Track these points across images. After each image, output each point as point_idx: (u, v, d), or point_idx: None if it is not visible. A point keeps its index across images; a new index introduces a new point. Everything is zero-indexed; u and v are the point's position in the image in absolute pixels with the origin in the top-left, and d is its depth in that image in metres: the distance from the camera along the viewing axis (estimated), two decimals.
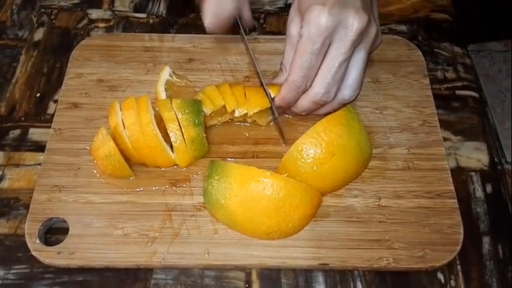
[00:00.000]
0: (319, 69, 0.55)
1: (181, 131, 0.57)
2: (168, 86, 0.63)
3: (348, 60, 0.55)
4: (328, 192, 0.58)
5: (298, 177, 0.54)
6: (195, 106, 0.59)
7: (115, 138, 0.57)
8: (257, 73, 0.63)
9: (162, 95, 0.62)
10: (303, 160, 0.54)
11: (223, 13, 0.58)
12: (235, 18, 0.60)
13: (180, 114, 0.57)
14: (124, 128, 0.57)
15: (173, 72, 0.64)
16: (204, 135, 0.59)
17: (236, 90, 0.61)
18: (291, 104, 0.59)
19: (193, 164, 0.60)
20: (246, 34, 0.64)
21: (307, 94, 0.57)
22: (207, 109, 0.60)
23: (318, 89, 0.56)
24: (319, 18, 0.52)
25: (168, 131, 0.57)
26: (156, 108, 0.59)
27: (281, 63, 0.60)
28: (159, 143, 0.56)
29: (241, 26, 0.62)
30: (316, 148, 0.54)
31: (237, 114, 0.60)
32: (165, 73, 0.63)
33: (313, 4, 0.52)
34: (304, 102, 0.58)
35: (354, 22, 0.53)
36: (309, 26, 0.53)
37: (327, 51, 0.54)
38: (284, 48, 0.59)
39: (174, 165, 0.59)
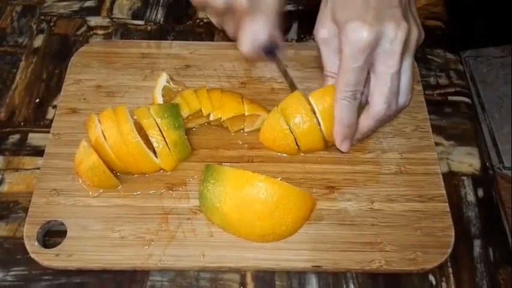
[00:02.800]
0: (372, 86, 0.54)
1: (163, 136, 0.58)
2: (165, 92, 0.64)
3: (399, 71, 0.53)
4: (309, 152, 0.61)
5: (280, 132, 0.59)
6: (174, 110, 0.60)
7: (97, 151, 0.57)
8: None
9: (160, 100, 0.63)
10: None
11: (258, 42, 0.60)
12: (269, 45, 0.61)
13: (159, 119, 0.58)
14: (105, 139, 0.57)
15: (170, 78, 0.65)
16: (186, 137, 0.60)
17: (213, 94, 0.63)
18: (352, 125, 0.57)
19: (189, 168, 0.61)
20: (280, 58, 0.65)
21: (368, 114, 0.56)
22: (184, 112, 0.61)
23: (379, 106, 0.54)
24: (360, 35, 0.51)
25: (150, 137, 0.58)
26: (135, 117, 0.59)
27: (325, 70, 0.60)
28: (142, 150, 0.57)
29: (276, 53, 0.63)
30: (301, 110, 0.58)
31: (211, 118, 0.62)
32: (163, 79, 0.64)
33: (352, 19, 0.51)
34: (368, 122, 0.56)
35: (397, 33, 0.51)
36: (350, 43, 0.51)
37: (374, 67, 0.53)
38: (321, 55, 0.59)
39: (159, 170, 0.60)
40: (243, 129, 0.64)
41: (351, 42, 0.51)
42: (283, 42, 0.63)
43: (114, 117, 0.58)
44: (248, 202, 0.53)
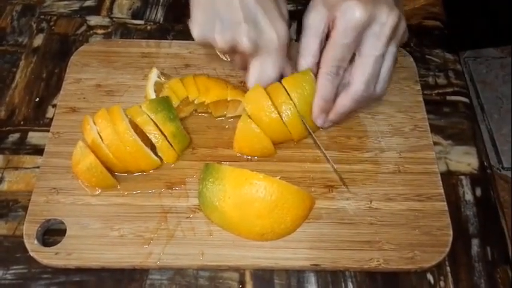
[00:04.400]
0: (355, 66, 0.56)
1: (160, 130, 0.59)
2: (157, 87, 0.64)
3: (383, 55, 0.56)
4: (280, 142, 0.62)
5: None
6: (165, 103, 0.60)
7: (94, 151, 0.57)
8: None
9: (152, 96, 0.63)
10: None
11: (266, 80, 0.61)
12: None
13: (153, 115, 0.59)
14: (102, 139, 0.57)
15: (161, 74, 0.66)
16: (182, 126, 0.61)
17: (199, 80, 0.64)
18: (330, 101, 0.59)
19: (188, 167, 0.61)
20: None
21: (347, 93, 0.58)
22: (174, 102, 0.62)
23: (358, 85, 0.57)
24: (355, 12, 0.53)
25: (147, 134, 0.58)
26: (128, 116, 0.59)
27: (299, 51, 0.60)
28: (140, 148, 0.58)
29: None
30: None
31: (195, 102, 0.63)
32: (154, 75, 0.65)
33: (345, 1, 0.54)
34: (345, 101, 0.58)
35: (388, 18, 0.54)
36: (344, 19, 0.54)
37: (361, 47, 0.56)
38: (301, 38, 0.60)
39: (158, 167, 0.61)
40: (225, 115, 0.65)
41: (345, 18, 0.53)
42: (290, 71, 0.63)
43: (109, 117, 0.58)
44: (247, 201, 0.53)
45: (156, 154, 0.60)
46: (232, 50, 0.60)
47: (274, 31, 0.58)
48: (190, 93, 0.63)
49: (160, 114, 0.59)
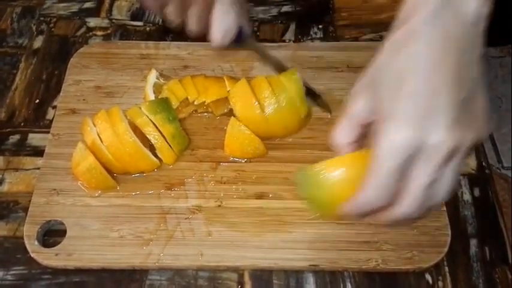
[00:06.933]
0: (403, 189, 0.45)
1: (159, 131, 0.59)
2: (156, 88, 0.65)
3: (437, 179, 0.44)
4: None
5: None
6: (165, 104, 0.61)
7: (94, 153, 0.58)
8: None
9: (151, 97, 0.64)
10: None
11: (230, 33, 0.58)
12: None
13: (153, 116, 0.59)
14: (101, 141, 0.58)
15: (160, 75, 0.66)
16: (181, 127, 0.62)
17: (197, 80, 0.64)
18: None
19: (187, 168, 0.61)
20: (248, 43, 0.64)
21: (390, 212, 0.47)
22: (173, 103, 0.62)
23: (405, 210, 0.45)
24: (402, 135, 0.42)
25: (147, 135, 0.59)
26: (128, 118, 0.60)
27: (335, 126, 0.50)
28: (140, 149, 0.58)
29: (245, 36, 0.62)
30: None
31: (196, 103, 0.63)
32: (152, 76, 0.65)
33: (396, 115, 0.42)
34: (386, 219, 0.48)
35: (441, 143, 0.42)
36: (389, 140, 0.43)
37: (411, 169, 0.44)
38: (341, 120, 0.50)
39: (157, 168, 0.61)
40: (227, 113, 0.65)
41: (391, 140, 0.43)
42: (250, 29, 0.63)
43: (109, 118, 0.59)
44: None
45: (155, 155, 0.60)
46: (188, 1, 0.57)
47: None
48: (190, 94, 0.63)
49: (159, 116, 0.59)
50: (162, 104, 0.61)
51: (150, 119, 0.59)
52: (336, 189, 0.49)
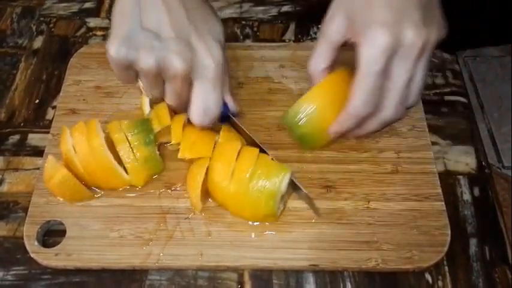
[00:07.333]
0: (385, 90, 0.52)
1: (133, 152, 0.57)
2: None
3: (412, 76, 0.52)
4: None
5: None
6: (144, 125, 0.58)
7: (67, 164, 0.57)
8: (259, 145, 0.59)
9: (146, 100, 0.63)
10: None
11: (212, 113, 0.56)
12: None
13: (130, 135, 0.57)
14: (75, 152, 0.56)
15: None
16: (158, 152, 0.59)
17: (188, 130, 0.59)
18: (356, 124, 0.55)
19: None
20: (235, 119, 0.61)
21: (376, 117, 0.54)
22: (155, 127, 0.59)
23: (389, 111, 0.53)
24: (381, 39, 0.49)
25: (119, 153, 0.57)
26: (107, 131, 0.58)
27: (310, 64, 0.57)
28: (111, 166, 0.56)
29: (230, 115, 0.60)
30: None
31: (175, 148, 0.60)
32: None
33: (372, 22, 0.50)
34: (373, 126, 0.55)
35: (416, 41, 0.50)
36: (371, 47, 0.50)
37: (389, 72, 0.51)
38: (317, 41, 0.56)
39: (128, 186, 0.59)
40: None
41: (372, 46, 0.50)
42: (235, 105, 0.60)
43: (86, 131, 0.57)
44: None
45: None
46: (158, 74, 0.53)
47: (210, 56, 0.53)
48: (174, 137, 0.59)
49: (136, 136, 0.57)
50: (142, 125, 0.58)
51: (126, 137, 0.57)
52: (321, 117, 0.57)
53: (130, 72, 0.54)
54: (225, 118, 0.60)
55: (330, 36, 0.55)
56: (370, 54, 0.50)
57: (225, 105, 0.58)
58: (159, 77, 0.53)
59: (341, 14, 0.54)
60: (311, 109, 0.57)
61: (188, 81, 0.54)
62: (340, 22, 0.54)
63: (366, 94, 0.52)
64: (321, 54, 0.56)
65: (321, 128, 0.57)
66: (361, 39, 0.51)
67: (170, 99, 0.56)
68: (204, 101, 0.54)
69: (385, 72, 0.51)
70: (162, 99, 0.58)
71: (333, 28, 0.55)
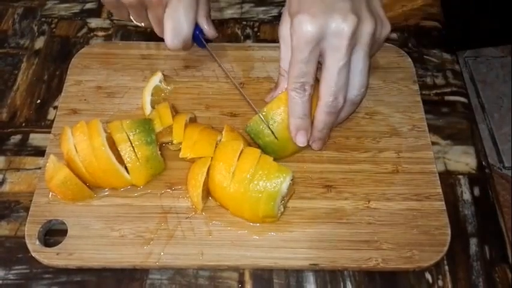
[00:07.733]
0: (321, 79, 0.55)
1: (135, 151, 0.57)
2: (155, 91, 0.65)
3: (347, 64, 0.54)
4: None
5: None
6: (146, 125, 0.59)
7: (68, 164, 0.57)
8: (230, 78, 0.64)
9: (147, 99, 0.63)
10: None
11: (182, 35, 0.60)
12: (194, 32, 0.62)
13: (131, 135, 0.57)
14: (76, 152, 0.56)
15: (164, 79, 0.66)
16: (159, 152, 0.59)
17: (191, 129, 0.60)
18: (304, 117, 0.56)
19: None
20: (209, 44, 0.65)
21: (318, 107, 0.56)
22: (156, 127, 0.60)
23: (325, 98, 0.55)
24: (303, 27, 0.52)
25: (121, 153, 0.57)
26: (109, 131, 0.58)
27: (280, 66, 0.59)
28: (113, 165, 0.56)
29: (202, 39, 0.64)
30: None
31: (177, 148, 0.60)
32: (156, 78, 0.66)
33: (299, 11, 0.53)
34: (319, 116, 0.57)
35: (343, 27, 0.52)
36: (295, 35, 0.53)
37: (323, 59, 0.54)
38: (280, 52, 0.59)
39: (129, 186, 0.60)
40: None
41: (296, 34, 0.53)
42: (212, 29, 0.63)
43: (87, 130, 0.57)
44: None
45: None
46: (140, 4, 0.58)
47: None
48: (176, 136, 0.59)
49: (137, 136, 0.58)
50: (143, 125, 0.59)
51: (128, 137, 0.58)
52: (285, 125, 0.58)
53: (123, 10, 0.62)
54: (203, 43, 0.63)
55: (285, 38, 0.57)
56: (295, 43, 0.53)
57: (201, 29, 0.61)
58: (143, 6, 0.60)
59: (287, 15, 0.57)
60: (275, 117, 0.58)
61: (165, 5, 0.58)
62: (287, 20, 0.56)
63: (298, 80, 0.54)
64: (285, 58, 0.58)
65: (285, 136, 0.58)
66: (291, 30, 0.54)
67: (154, 26, 0.62)
68: (174, 21, 0.58)
69: (315, 59, 0.54)
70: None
71: (285, 31, 0.57)
